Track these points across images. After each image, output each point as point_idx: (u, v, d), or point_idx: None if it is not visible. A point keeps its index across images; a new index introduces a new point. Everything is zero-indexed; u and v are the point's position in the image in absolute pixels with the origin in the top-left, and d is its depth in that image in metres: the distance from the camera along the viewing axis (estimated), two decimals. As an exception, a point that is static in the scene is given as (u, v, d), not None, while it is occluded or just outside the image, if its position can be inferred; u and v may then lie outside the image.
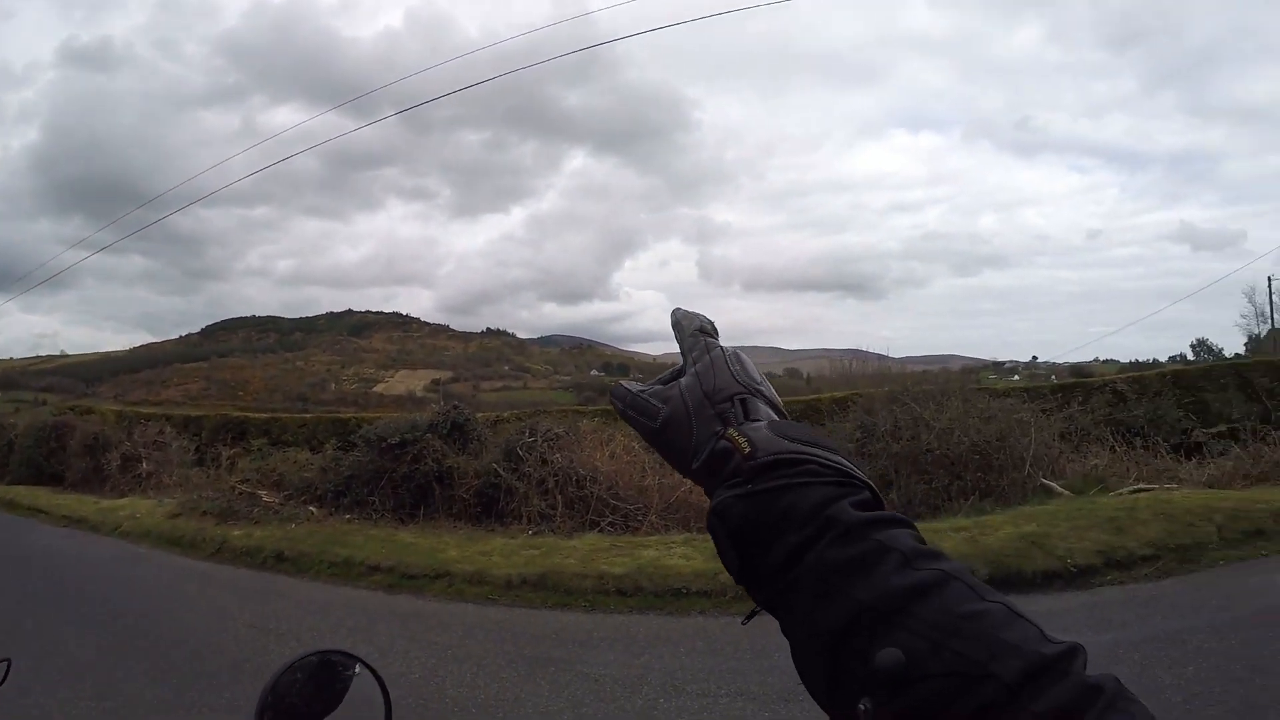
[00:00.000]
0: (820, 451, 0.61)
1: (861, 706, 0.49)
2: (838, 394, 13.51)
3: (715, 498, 0.61)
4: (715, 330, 0.77)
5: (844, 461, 0.61)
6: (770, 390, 0.71)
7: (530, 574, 7.62)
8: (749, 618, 0.65)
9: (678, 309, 0.80)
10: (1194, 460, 11.33)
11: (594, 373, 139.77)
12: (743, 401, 0.67)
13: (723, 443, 0.63)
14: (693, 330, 0.76)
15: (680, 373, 0.73)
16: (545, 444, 10.71)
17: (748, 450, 0.61)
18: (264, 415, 21.78)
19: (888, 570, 0.52)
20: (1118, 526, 7.28)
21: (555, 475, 10.36)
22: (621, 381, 0.76)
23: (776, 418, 0.67)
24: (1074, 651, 0.46)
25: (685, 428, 0.67)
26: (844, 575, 0.53)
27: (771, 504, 0.58)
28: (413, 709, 4.74)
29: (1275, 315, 36.41)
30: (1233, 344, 40.85)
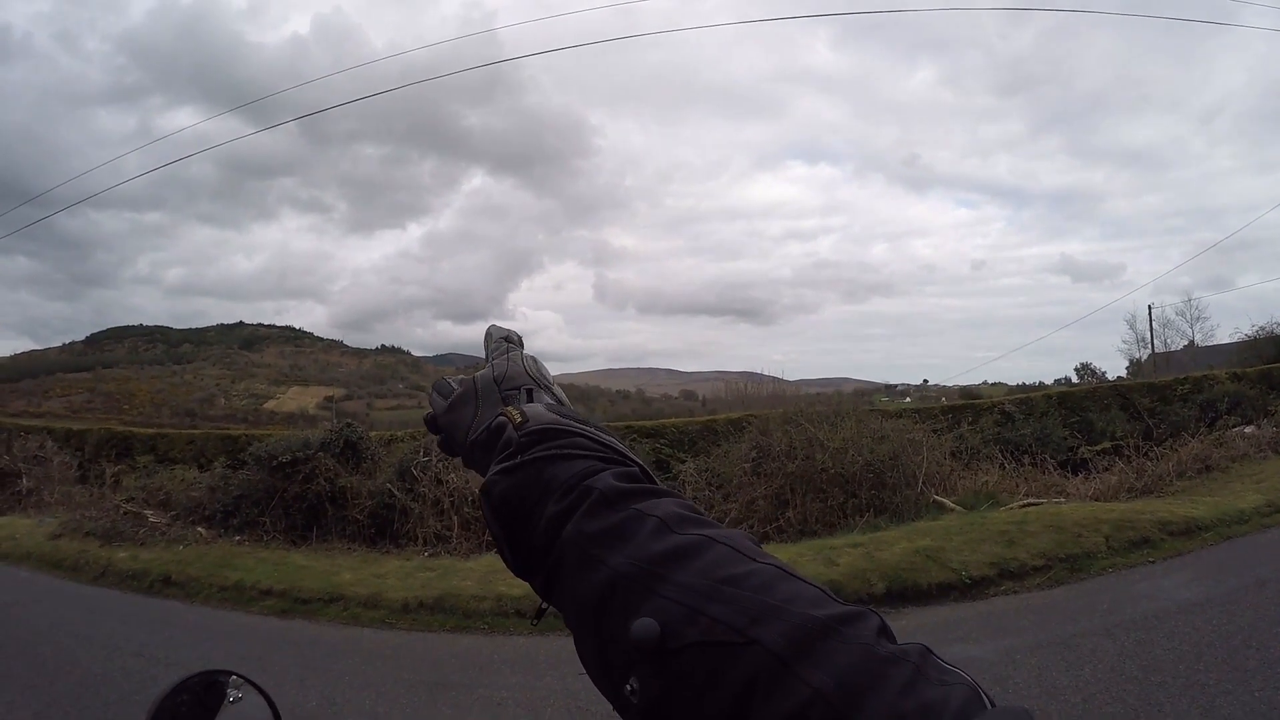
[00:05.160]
0: (590, 429, 0.61)
1: (629, 687, 0.46)
2: (733, 415, 13.69)
3: (484, 479, 0.60)
4: (521, 341, 0.80)
5: (617, 442, 0.61)
6: (560, 392, 0.73)
7: (427, 597, 7.47)
8: (538, 616, 0.63)
9: (493, 324, 0.83)
10: (1080, 475, 11.97)
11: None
12: (529, 391, 0.70)
13: (500, 418, 0.65)
14: (499, 338, 0.79)
15: None
16: (440, 463, 10.53)
17: (519, 420, 0.62)
18: (150, 430, 20.71)
19: (644, 536, 0.49)
20: (1009, 539, 7.57)
21: (451, 495, 10.23)
22: (444, 376, 0.81)
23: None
24: (858, 615, 0.43)
25: (470, 406, 0.70)
26: (602, 544, 0.50)
27: (536, 476, 0.57)
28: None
29: (1155, 340, 38.72)
30: (1115, 367, 43.31)
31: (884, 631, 0.42)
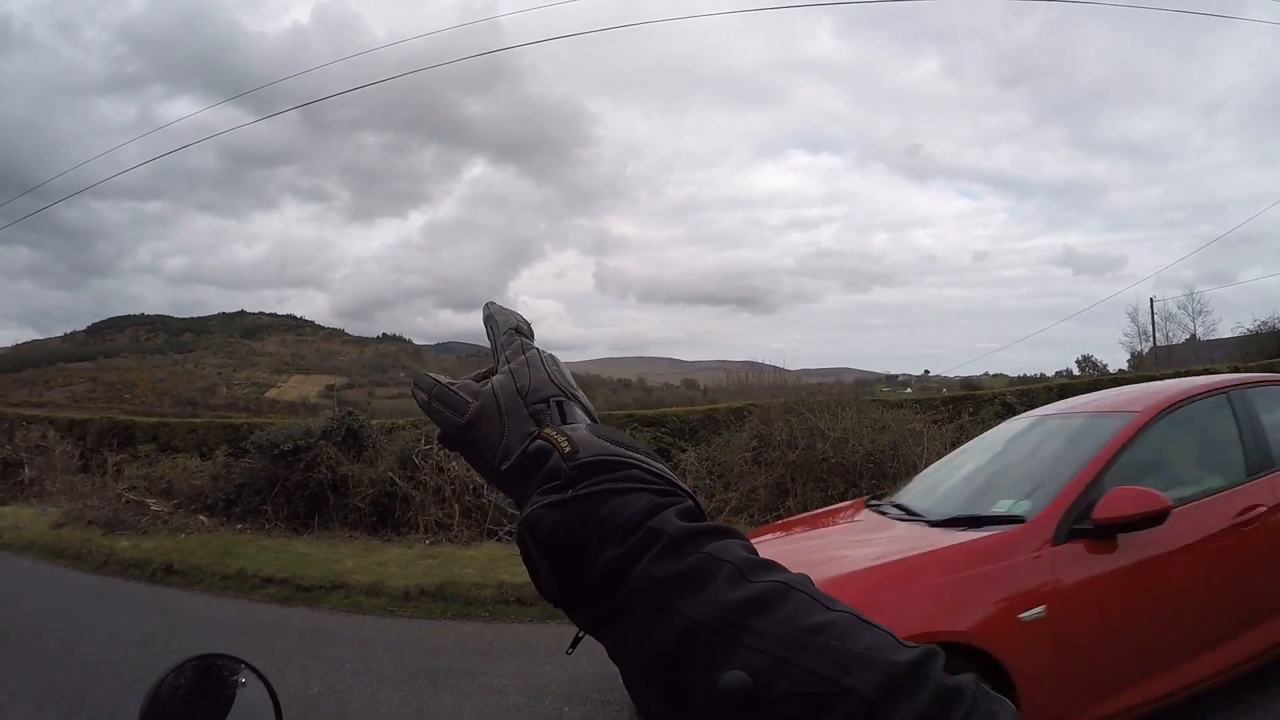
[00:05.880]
0: (642, 457, 0.57)
1: None
2: (734, 404, 13.73)
3: (526, 507, 0.55)
4: (531, 331, 0.73)
5: (666, 469, 0.57)
6: (585, 398, 0.66)
7: (429, 584, 7.50)
8: (574, 645, 0.60)
9: (491, 303, 0.76)
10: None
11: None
12: (559, 404, 0.63)
13: (539, 442, 0.58)
14: (507, 328, 0.71)
15: (493, 371, 0.69)
16: (441, 452, 10.52)
17: (568, 449, 0.56)
18: (152, 419, 20.74)
19: (720, 584, 0.48)
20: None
21: (452, 483, 10.23)
22: (427, 372, 0.69)
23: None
24: (931, 656, 0.43)
25: (495, 425, 0.62)
26: (675, 591, 0.48)
27: (590, 512, 0.53)
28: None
29: (1157, 334, 38.73)
30: (1116, 360, 43.27)
31: (945, 665, 0.44)
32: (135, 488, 11.70)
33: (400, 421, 13.26)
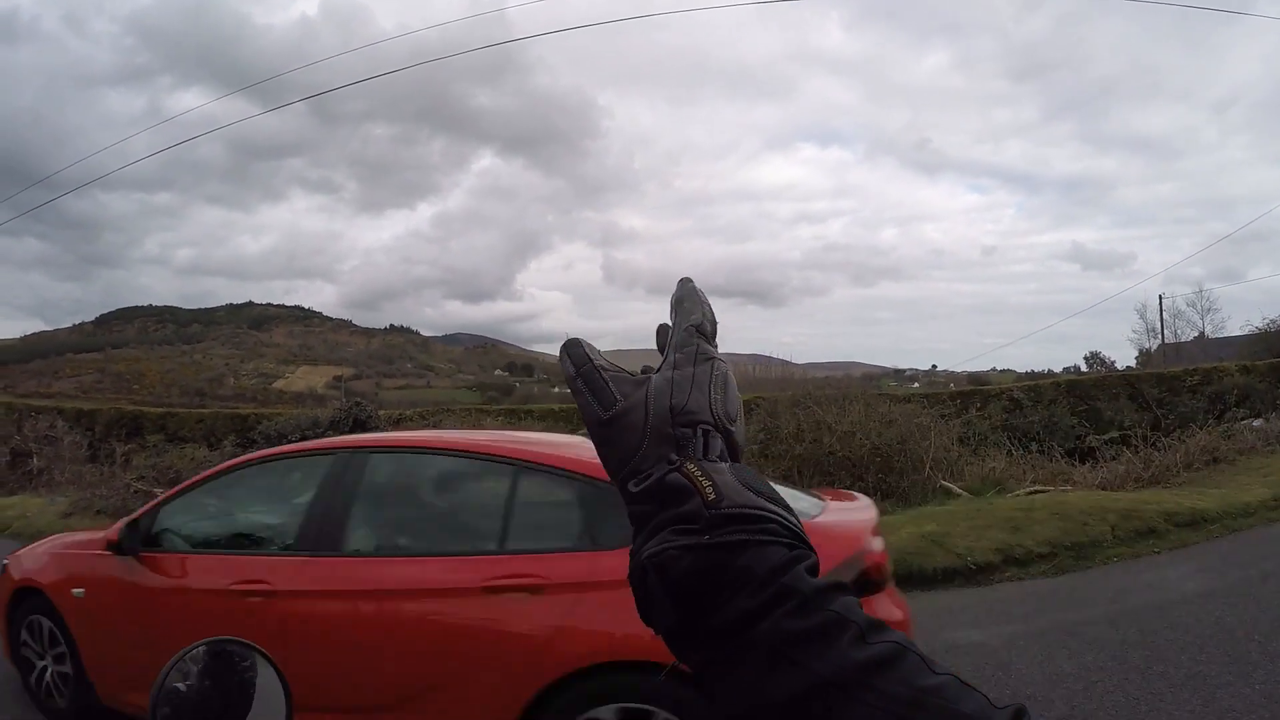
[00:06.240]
0: (779, 510, 0.56)
1: None
2: (742, 397, 13.67)
3: (653, 545, 0.54)
4: (714, 331, 0.67)
5: (797, 521, 0.57)
6: (741, 431, 0.63)
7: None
8: (668, 672, 0.62)
9: (687, 280, 0.70)
10: (1088, 464, 11.95)
11: (498, 372, 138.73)
12: (705, 434, 0.59)
13: (676, 475, 0.56)
14: (688, 325, 0.66)
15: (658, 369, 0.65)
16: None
17: (712, 496, 0.54)
18: (160, 410, 20.90)
19: (846, 643, 0.49)
20: (1015, 526, 7.58)
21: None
22: (582, 341, 0.64)
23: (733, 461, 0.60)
24: (1020, 712, 0.46)
25: (635, 437, 0.59)
26: (802, 647, 0.50)
27: (727, 560, 0.52)
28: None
29: (1165, 331, 38.54)
30: (1124, 357, 43.06)
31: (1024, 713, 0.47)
32: (143, 477, 11.79)
33: (408, 412, 13.32)
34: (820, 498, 4.09)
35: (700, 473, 0.56)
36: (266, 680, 1.22)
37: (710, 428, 0.60)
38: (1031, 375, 40.85)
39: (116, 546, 3.93)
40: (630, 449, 0.59)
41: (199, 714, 1.18)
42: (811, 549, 0.55)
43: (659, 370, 0.64)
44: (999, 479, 10.38)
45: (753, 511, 0.54)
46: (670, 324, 0.67)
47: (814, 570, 0.54)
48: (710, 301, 0.69)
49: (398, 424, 12.10)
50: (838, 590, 0.53)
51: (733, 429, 0.61)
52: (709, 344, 0.65)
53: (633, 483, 0.58)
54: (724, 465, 0.58)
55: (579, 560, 3.19)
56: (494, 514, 3.51)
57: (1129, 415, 14.18)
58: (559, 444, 3.82)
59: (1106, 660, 4.77)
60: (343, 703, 3.30)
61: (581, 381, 0.62)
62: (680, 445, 0.58)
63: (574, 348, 0.64)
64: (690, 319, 0.66)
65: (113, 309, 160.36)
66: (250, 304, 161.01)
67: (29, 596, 4.36)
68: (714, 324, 0.67)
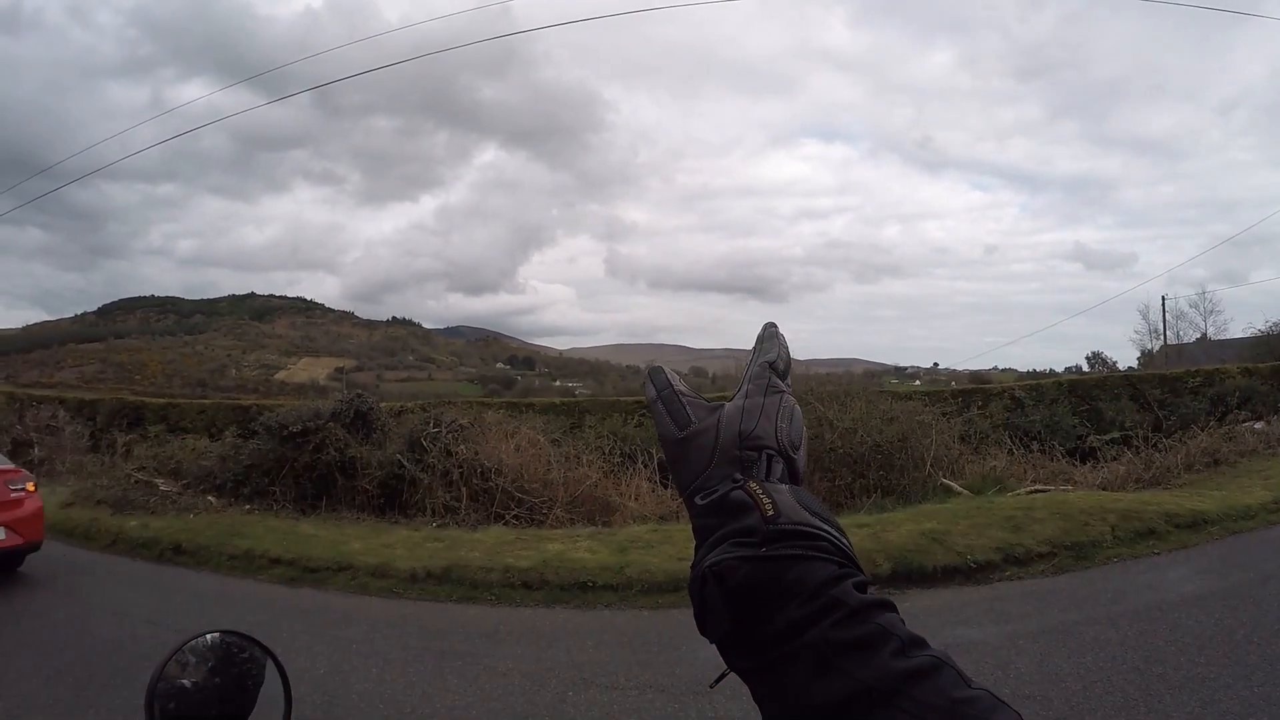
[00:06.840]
0: (832, 530, 0.62)
1: None
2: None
3: (714, 555, 0.60)
4: (788, 369, 0.75)
5: (849, 542, 0.63)
6: (803, 458, 0.71)
7: (435, 567, 7.54)
8: (718, 680, 0.66)
9: (773, 325, 0.78)
10: (1088, 464, 11.97)
11: (500, 365, 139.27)
12: (769, 458, 0.67)
13: (740, 493, 0.63)
14: (764, 360, 0.74)
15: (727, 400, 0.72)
16: (450, 435, 10.61)
17: (770, 513, 0.61)
18: (161, 400, 20.86)
19: (888, 654, 0.54)
20: (1016, 525, 7.61)
21: (460, 467, 10.27)
22: (664, 368, 0.76)
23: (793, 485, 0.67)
24: None
25: (705, 455, 0.67)
26: (847, 656, 0.54)
27: (781, 572, 0.58)
28: (319, 706, 4.62)
29: (1168, 332, 38.51)
30: (1126, 357, 43.11)
31: None
32: (144, 468, 11.79)
33: (409, 404, 13.31)
34: None
35: (761, 491, 0.62)
36: (269, 676, 1.22)
37: (774, 453, 0.67)
38: (1033, 374, 40.88)
39: None
40: (700, 467, 0.67)
41: (201, 709, 1.17)
42: (860, 569, 0.61)
43: (732, 399, 0.71)
44: (1000, 478, 10.38)
45: (807, 529, 0.60)
46: (752, 356, 0.76)
47: (862, 587, 0.59)
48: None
49: (399, 415, 12.08)
50: (882, 606, 0.58)
51: (795, 456, 0.69)
52: (780, 379, 0.73)
53: (699, 497, 0.65)
54: (784, 486, 0.65)
55: None
56: None
57: (1130, 416, 14.16)
58: None
59: (1105, 661, 4.78)
60: None
61: (661, 404, 0.72)
62: (745, 466, 0.66)
63: (657, 374, 0.74)
64: (766, 355, 0.74)
65: (115, 299, 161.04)
66: (253, 295, 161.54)
67: None
68: (788, 363, 0.75)
